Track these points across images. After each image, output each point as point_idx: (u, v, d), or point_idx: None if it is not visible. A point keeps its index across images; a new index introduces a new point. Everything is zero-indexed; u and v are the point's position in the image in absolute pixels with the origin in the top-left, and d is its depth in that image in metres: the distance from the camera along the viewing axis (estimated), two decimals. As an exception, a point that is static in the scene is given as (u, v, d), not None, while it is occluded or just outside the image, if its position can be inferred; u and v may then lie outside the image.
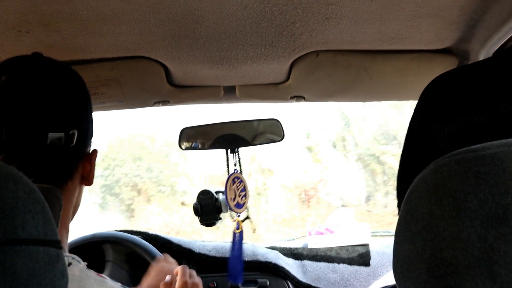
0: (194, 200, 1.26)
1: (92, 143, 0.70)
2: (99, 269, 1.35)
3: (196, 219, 1.26)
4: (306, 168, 6.64)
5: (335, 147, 6.61)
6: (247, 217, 1.18)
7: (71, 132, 0.59)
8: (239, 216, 1.16)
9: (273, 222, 6.07)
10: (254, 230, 1.20)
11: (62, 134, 0.58)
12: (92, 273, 0.60)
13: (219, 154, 1.19)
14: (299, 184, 6.61)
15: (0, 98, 0.57)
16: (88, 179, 0.68)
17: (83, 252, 1.36)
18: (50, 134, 0.57)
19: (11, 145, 0.56)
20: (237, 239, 1.17)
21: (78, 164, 0.65)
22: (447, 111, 0.37)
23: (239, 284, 1.44)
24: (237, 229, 1.17)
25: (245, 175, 1.18)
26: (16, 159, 0.56)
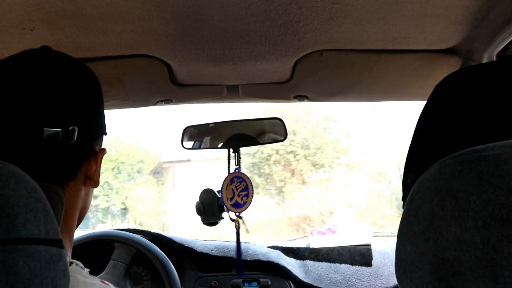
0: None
1: (101, 142, 0.67)
2: (100, 267, 1.35)
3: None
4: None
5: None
6: (239, 217, 1.17)
7: (70, 128, 0.56)
8: (238, 215, 1.16)
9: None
10: (247, 230, 1.20)
11: (59, 130, 0.54)
12: (96, 280, 0.58)
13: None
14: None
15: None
16: (93, 180, 0.64)
17: (88, 249, 1.36)
18: (46, 129, 0.54)
19: (6, 140, 0.54)
20: (237, 239, 1.17)
21: (81, 163, 0.61)
22: (457, 110, 0.37)
23: (241, 284, 1.44)
24: (236, 228, 1.17)
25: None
26: (12, 156, 0.53)
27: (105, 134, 0.68)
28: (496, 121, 0.34)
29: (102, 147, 0.68)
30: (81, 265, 0.58)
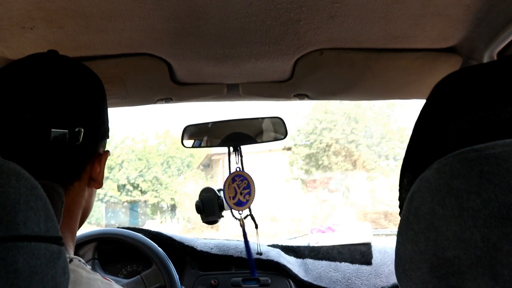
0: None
1: (105, 144, 0.68)
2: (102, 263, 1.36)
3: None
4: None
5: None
6: (249, 215, 1.18)
7: (76, 130, 0.57)
8: (241, 214, 1.17)
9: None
10: (256, 226, 1.20)
11: (66, 131, 0.56)
12: (98, 275, 0.59)
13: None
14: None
15: (7, 93, 0.56)
16: (97, 181, 0.66)
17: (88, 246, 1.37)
18: (53, 130, 0.55)
19: (13, 140, 0.55)
20: (245, 237, 1.18)
21: (86, 164, 0.63)
22: (456, 109, 0.37)
23: (241, 283, 1.45)
24: (241, 226, 1.17)
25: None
26: (19, 156, 0.54)
27: (108, 138, 0.69)
28: (496, 120, 0.34)
29: (106, 148, 0.69)
30: (83, 261, 0.59)
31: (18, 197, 0.36)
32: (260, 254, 1.45)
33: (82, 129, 0.58)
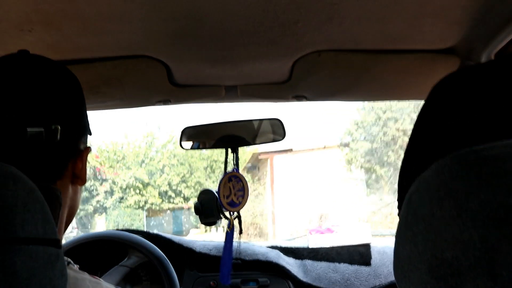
0: None
1: (86, 141, 0.68)
2: (98, 267, 1.35)
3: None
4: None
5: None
6: (237, 216, 1.17)
7: (53, 127, 0.56)
8: (232, 215, 1.16)
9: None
10: (241, 231, 1.19)
11: (42, 129, 0.55)
12: (86, 275, 0.59)
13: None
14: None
15: None
16: (81, 178, 0.65)
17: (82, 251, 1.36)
18: (29, 129, 0.54)
19: None
20: (229, 239, 1.17)
21: (67, 162, 0.62)
22: (455, 110, 0.37)
23: (240, 284, 1.44)
24: (229, 228, 1.17)
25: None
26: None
27: (90, 134, 0.69)
28: (495, 120, 0.34)
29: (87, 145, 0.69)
30: (70, 261, 0.59)
31: (16, 200, 0.36)
32: (238, 260, 1.45)
33: (59, 126, 0.57)
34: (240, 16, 0.78)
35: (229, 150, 1.18)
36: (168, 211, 15.86)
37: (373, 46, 0.93)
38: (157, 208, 15.61)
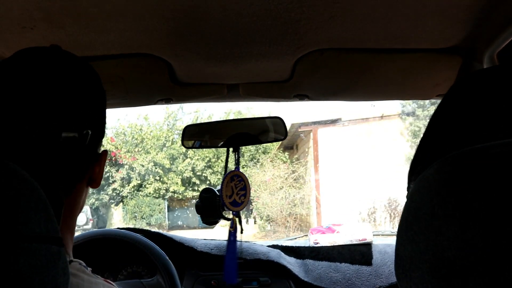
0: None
1: (101, 144, 0.67)
2: (98, 266, 1.36)
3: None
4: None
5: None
6: (238, 216, 1.17)
7: (84, 132, 0.56)
8: (234, 214, 1.16)
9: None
10: (241, 231, 1.19)
11: (76, 134, 0.54)
12: (100, 279, 0.58)
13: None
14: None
15: (9, 91, 0.53)
16: (97, 181, 0.64)
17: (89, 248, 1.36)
18: (63, 134, 0.53)
19: (21, 143, 0.52)
20: (232, 238, 1.17)
21: (90, 166, 0.62)
22: (467, 111, 0.37)
23: (241, 283, 1.44)
24: (231, 227, 1.17)
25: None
26: (26, 159, 0.51)
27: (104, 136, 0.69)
28: (508, 123, 0.34)
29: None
30: (84, 264, 0.58)
31: (19, 198, 0.37)
32: (241, 260, 1.44)
33: (90, 131, 0.57)
34: (242, 14, 0.78)
35: (231, 149, 1.18)
36: (193, 200, 14.12)
37: (375, 45, 0.93)
38: (180, 196, 14.09)
